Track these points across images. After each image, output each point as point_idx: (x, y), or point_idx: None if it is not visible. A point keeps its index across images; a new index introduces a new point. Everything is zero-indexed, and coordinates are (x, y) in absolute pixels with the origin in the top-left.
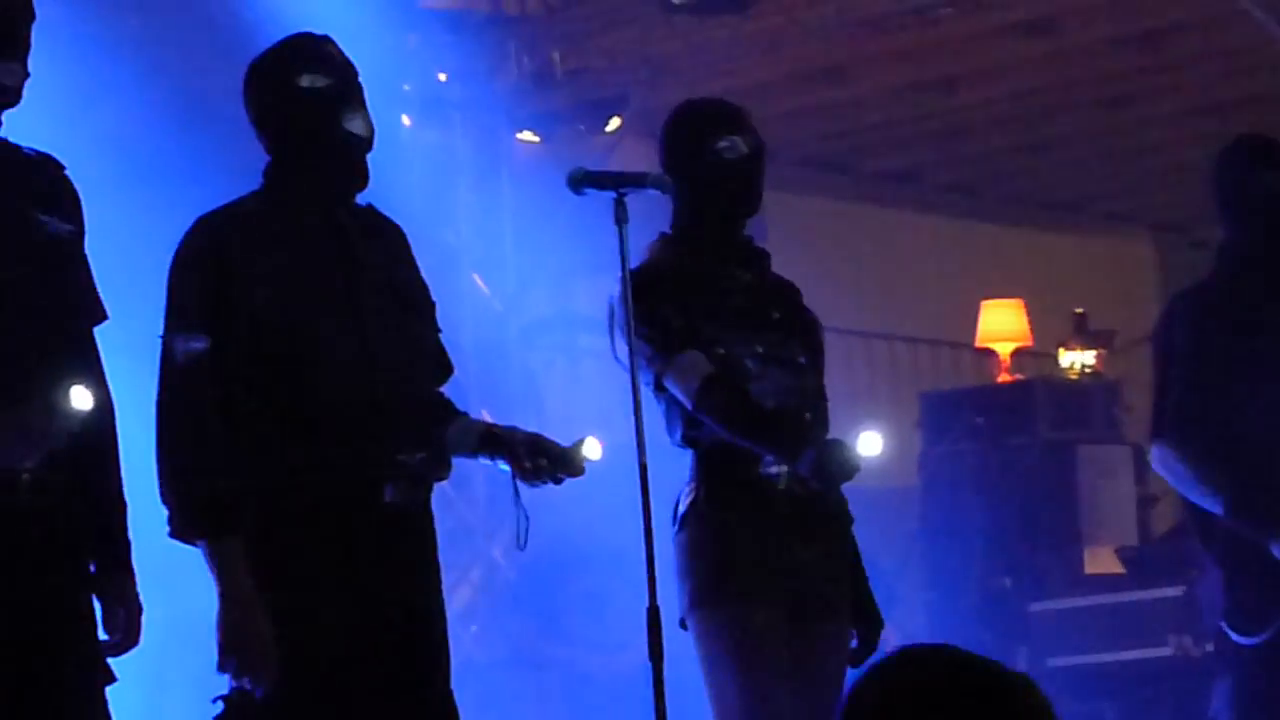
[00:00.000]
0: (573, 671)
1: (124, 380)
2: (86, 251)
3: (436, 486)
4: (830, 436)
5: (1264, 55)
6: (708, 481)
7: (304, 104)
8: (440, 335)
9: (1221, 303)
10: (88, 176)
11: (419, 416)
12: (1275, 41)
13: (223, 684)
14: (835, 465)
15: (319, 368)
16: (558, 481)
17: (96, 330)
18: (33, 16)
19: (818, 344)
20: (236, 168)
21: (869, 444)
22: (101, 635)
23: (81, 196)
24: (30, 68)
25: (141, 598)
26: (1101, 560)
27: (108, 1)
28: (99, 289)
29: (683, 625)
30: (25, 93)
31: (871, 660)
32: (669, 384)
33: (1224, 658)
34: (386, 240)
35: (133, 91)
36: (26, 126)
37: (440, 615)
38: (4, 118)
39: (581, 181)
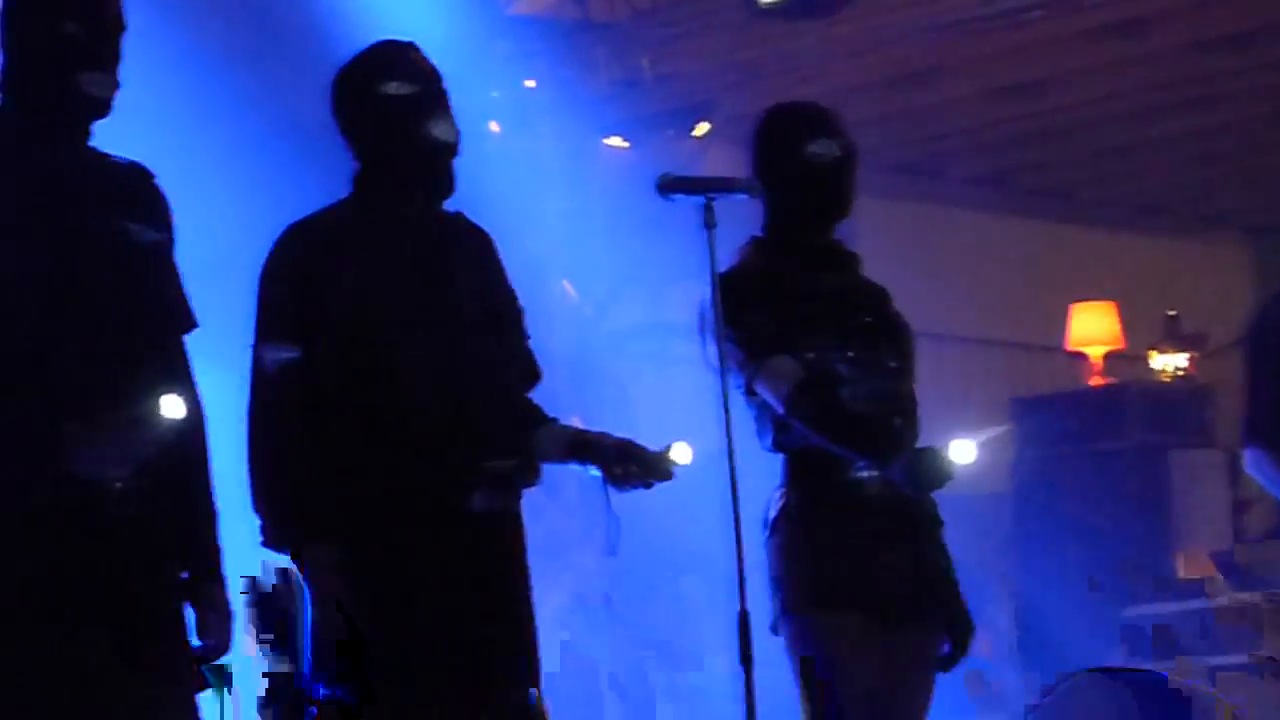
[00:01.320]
0: (664, 677)
1: (215, 389)
2: (176, 259)
3: (527, 493)
4: (923, 444)
5: None
6: (799, 486)
7: (389, 111)
8: (529, 341)
9: None
10: (179, 185)
11: (507, 423)
12: None
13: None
14: (928, 473)
15: (407, 375)
16: (648, 486)
17: (187, 339)
18: (124, 28)
19: (908, 348)
20: (325, 176)
21: (962, 452)
22: (194, 641)
23: (171, 204)
24: (120, 78)
25: (233, 604)
26: (1195, 565)
27: (199, 11)
28: (189, 297)
29: (774, 630)
30: (118, 103)
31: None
32: (760, 388)
33: None
34: (474, 246)
35: (224, 100)
36: (122, 136)
37: (530, 621)
38: (94, 128)
39: (670, 187)
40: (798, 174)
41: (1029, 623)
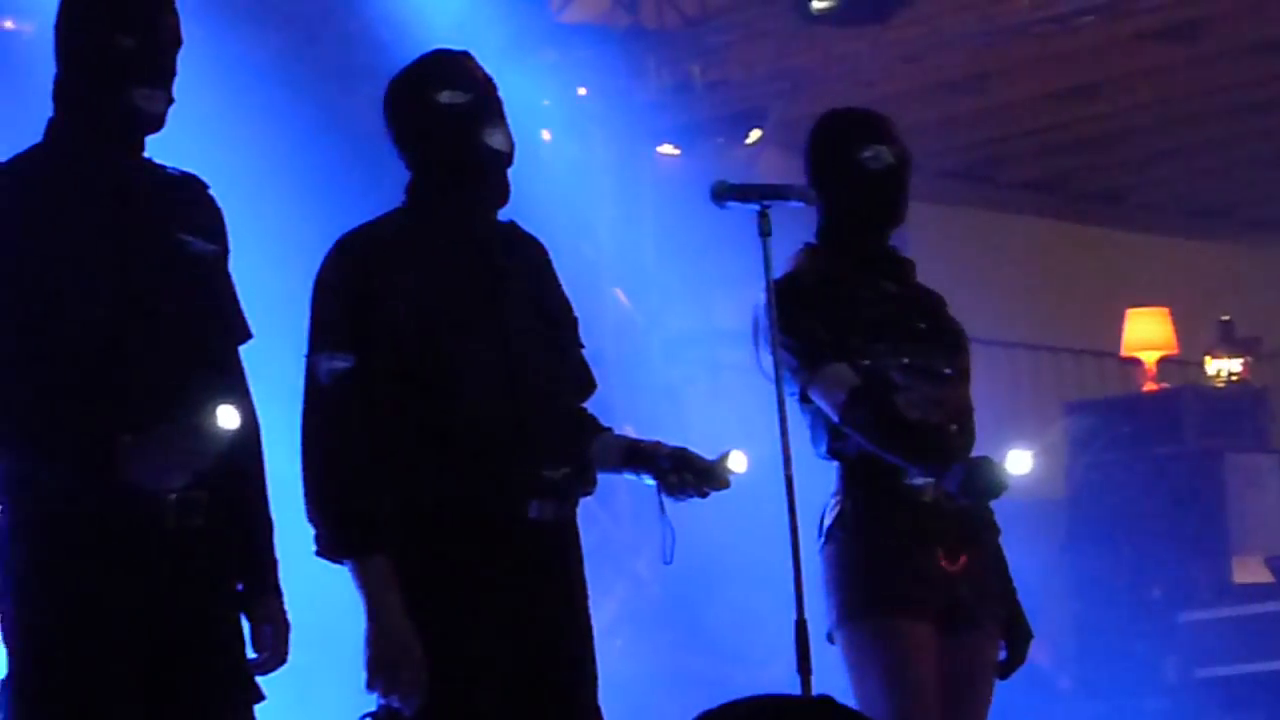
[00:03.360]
0: (719, 686)
1: (269, 399)
2: (231, 270)
3: (581, 502)
4: (979, 452)
5: None
6: (854, 494)
7: (444, 120)
8: (583, 350)
9: None
10: (233, 195)
11: (563, 432)
12: None
13: (371, 702)
14: (984, 483)
15: (462, 385)
16: (703, 495)
17: (242, 349)
18: (179, 43)
19: (964, 355)
20: (379, 185)
21: (1018, 462)
22: (250, 653)
23: (225, 215)
24: (176, 93)
25: (289, 615)
26: (1251, 569)
27: (254, 23)
28: (244, 307)
29: (830, 639)
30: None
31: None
32: (815, 396)
33: None
34: (528, 255)
35: (278, 111)
36: (179, 146)
37: (586, 630)
38: (147, 141)
39: (724, 194)
40: (852, 180)
41: (1087, 629)
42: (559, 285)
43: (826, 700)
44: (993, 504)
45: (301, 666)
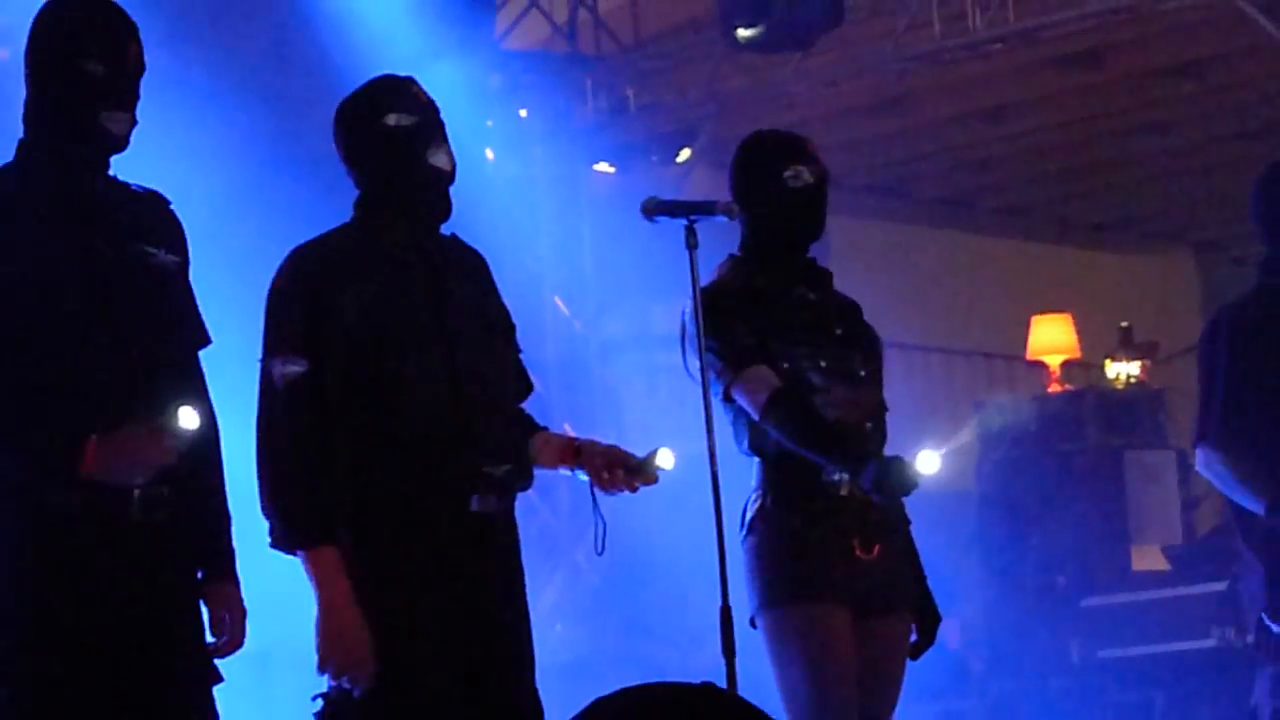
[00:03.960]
0: (651, 668)
1: (226, 401)
2: (190, 280)
3: (520, 495)
4: (893, 450)
5: None
6: (773, 488)
7: (390, 141)
8: (521, 355)
9: (1263, 316)
10: (192, 211)
11: (503, 431)
12: None
13: (322, 684)
14: (895, 482)
15: (409, 388)
16: (633, 490)
17: (202, 354)
18: (143, 70)
19: (878, 358)
20: (329, 201)
21: (927, 463)
22: (209, 638)
23: (185, 229)
24: (140, 115)
25: (245, 602)
26: (1148, 558)
27: (216, 49)
28: (203, 315)
29: (752, 624)
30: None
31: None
32: (737, 396)
33: (1266, 649)
34: (469, 268)
35: (236, 132)
36: (142, 165)
37: (525, 616)
38: (112, 160)
39: (655, 210)
40: (774, 198)
41: (996, 613)
42: (498, 294)
43: (709, 686)
44: (906, 500)
45: (257, 652)
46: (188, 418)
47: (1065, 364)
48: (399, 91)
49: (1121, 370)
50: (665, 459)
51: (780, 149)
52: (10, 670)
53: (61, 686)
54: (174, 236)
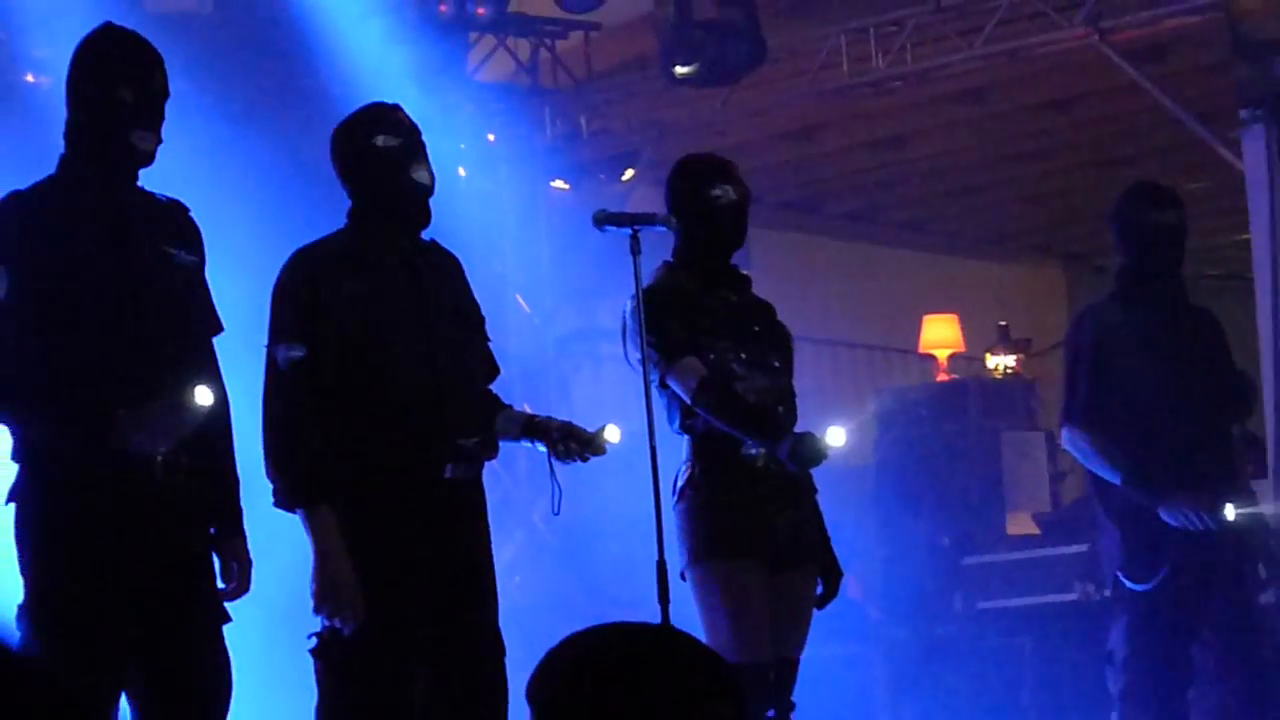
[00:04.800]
0: (598, 613)
1: (236, 381)
2: (206, 276)
3: (487, 464)
4: (802, 428)
5: (1154, 117)
6: (700, 461)
7: (378, 159)
8: (489, 344)
9: (1119, 316)
10: (209, 218)
11: (473, 409)
12: (1163, 107)
13: (317, 624)
14: (807, 453)
15: (393, 371)
16: (585, 459)
17: (215, 341)
18: (167, 95)
19: (789, 351)
20: (326, 210)
21: (835, 437)
22: (220, 584)
23: (203, 233)
24: (164, 135)
25: (251, 554)
26: (1021, 523)
27: (228, 80)
28: (217, 306)
29: (682, 577)
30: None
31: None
32: (671, 382)
33: (1120, 601)
34: (446, 268)
35: (246, 150)
36: (175, 177)
37: (490, 567)
38: (141, 173)
39: (603, 220)
40: (702, 212)
41: (890, 569)
42: (470, 291)
43: (666, 627)
44: (814, 470)
45: (261, 596)
46: (203, 395)
47: (951, 357)
48: (386, 117)
49: (999, 362)
50: (612, 434)
51: (708, 171)
52: (50, 608)
53: (94, 624)
54: (193, 239)
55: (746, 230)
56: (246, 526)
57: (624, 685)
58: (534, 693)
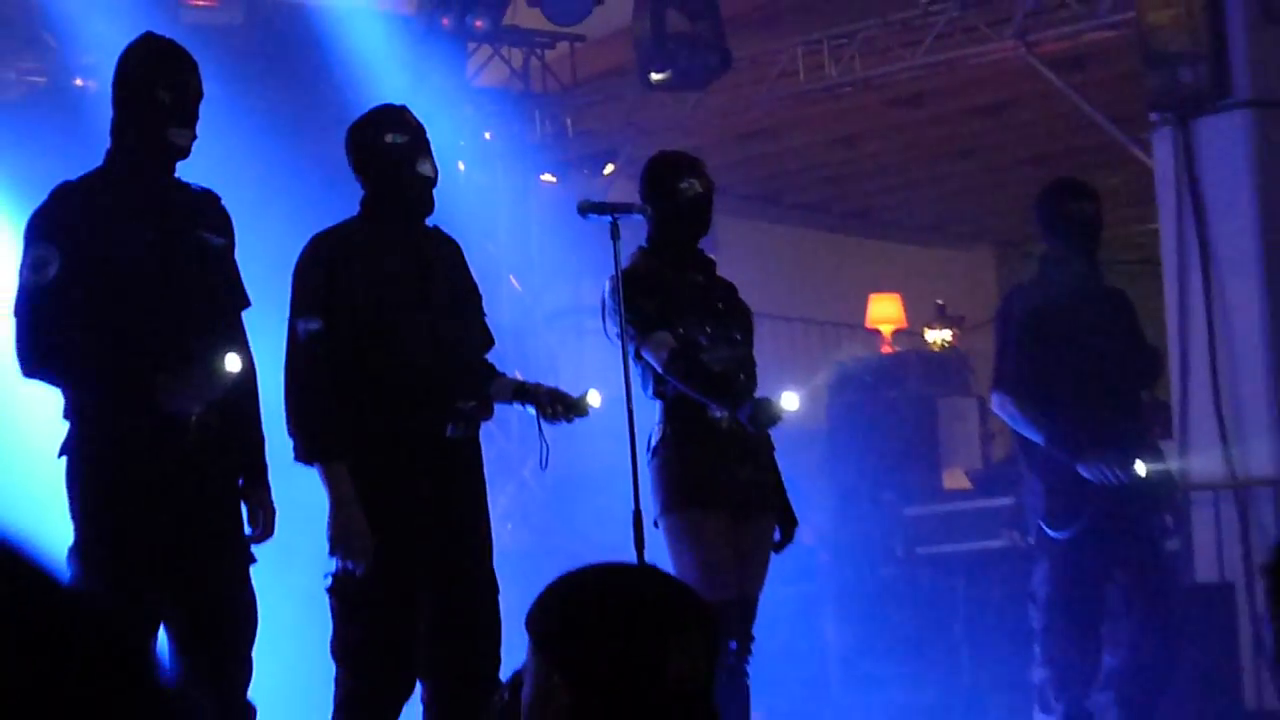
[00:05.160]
0: (580, 556)
1: (262, 350)
2: (236, 258)
3: (483, 425)
4: (762, 394)
5: (1074, 120)
6: (671, 423)
7: (388, 155)
8: (485, 318)
9: (1043, 295)
10: (237, 206)
11: (471, 375)
12: (1082, 111)
13: (332, 565)
14: (765, 415)
15: (400, 342)
16: (570, 420)
17: (244, 315)
18: (202, 95)
19: (749, 326)
20: (341, 200)
21: (789, 401)
22: (247, 529)
23: (233, 218)
24: (199, 132)
25: (274, 503)
26: (955, 478)
27: (256, 83)
28: (245, 284)
29: (655, 525)
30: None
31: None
32: (645, 354)
33: (1042, 547)
34: (447, 251)
35: (269, 145)
36: (207, 169)
37: (486, 516)
38: (178, 165)
39: (587, 209)
40: (672, 203)
41: (840, 518)
42: (469, 272)
43: (647, 566)
44: (772, 430)
45: (282, 541)
46: (232, 362)
47: (894, 332)
48: (394, 117)
49: (937, 336)
50: (594, 398)
51: (678, 166)
52: (96, 550)
53: (135, 564)
54: (223, 224)
55: (711, 219)
56: (271, 479)
57: (611, 616)
58: (532, 624)
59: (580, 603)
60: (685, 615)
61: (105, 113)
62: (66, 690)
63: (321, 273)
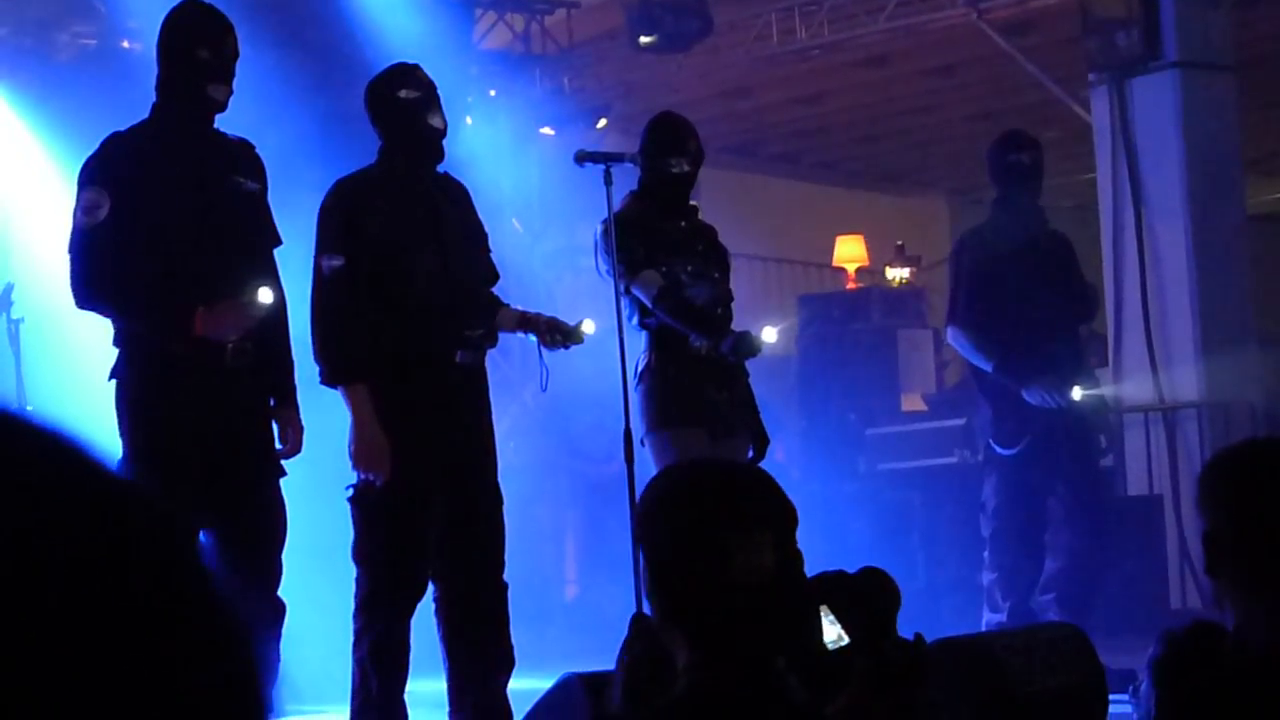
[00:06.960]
0: (575, 471)
1: (291, 284)
2: (268, 201)
3: (489, 352)
4: (739, 328)
5: (1021, 80)
6: (656, 351)
7: (402, 109)
8: (490, 255)
9: (992, 237)
10: (270, 154)
11: (478, 307)
12: (1028, 71)
13: (353, 478)
14: (746, 348)
15: (413, 277)
16: (567, 347)
17: (276, 252)
18: (238, 55)
19: (727, 265)
20: (361, 149)
21: (768, 335)
22: (278, 445)
23: (265, 165)
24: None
25: (303, 422)
26: (912, 402)
27: (286, 46)
28: (277, 224)
29: (641, 443)
30: (234, 103)
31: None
32: (634, 290)
33: (990, 463)
34: (456, 195)
35: (298, 100)
36: (241, 121)
37: (491, 434)
38: (216, 118)
39: (583, 158)
40: (658, 175)
41: (809, 438)
42: (476, 213)
43: (743, 466)
44: (748, 360)
45: (309, 456)
46: (265, 295)
47: (858, 270)
48: (408, 74)
49: (896, 274)
50: (588, 327)
51: (672, 143)
52: (143, 464)
53: (177, 475)
54: (257, 170)
55: (694, 185)
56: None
57: (678, 510)
58: (637, 511)
59: (660, 493)
60: (749, 515)
61: (150, 71)
62: (120, 565)
63: (342, 215)
